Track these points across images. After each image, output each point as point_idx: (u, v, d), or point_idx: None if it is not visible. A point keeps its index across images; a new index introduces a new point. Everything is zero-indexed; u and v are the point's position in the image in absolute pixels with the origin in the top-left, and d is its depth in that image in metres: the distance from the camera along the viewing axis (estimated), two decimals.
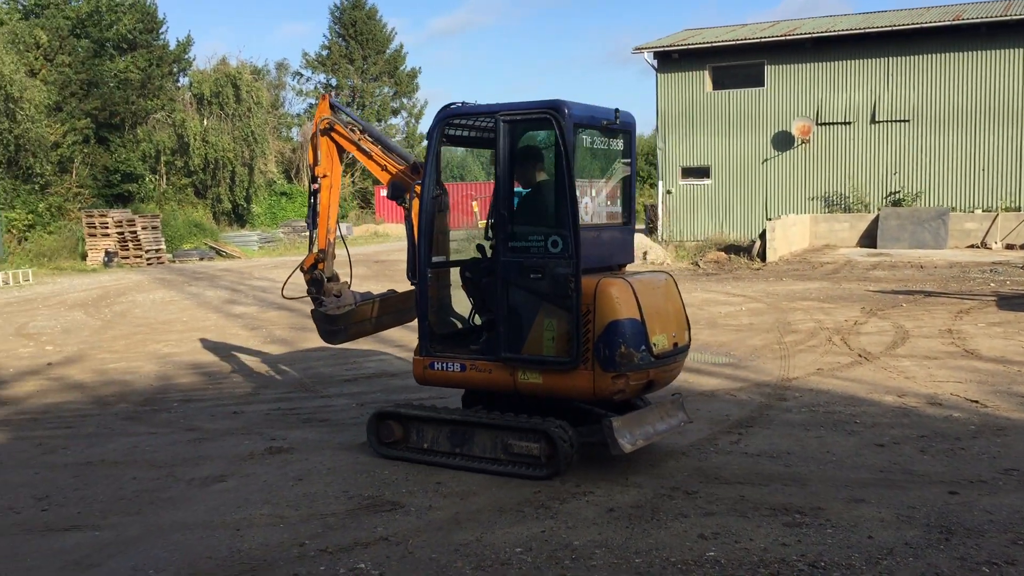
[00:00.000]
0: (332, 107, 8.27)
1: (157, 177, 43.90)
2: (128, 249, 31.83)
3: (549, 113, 6.16)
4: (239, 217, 45.37)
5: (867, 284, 18.80)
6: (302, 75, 63.63)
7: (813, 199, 28.76)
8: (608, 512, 5.75)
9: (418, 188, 6.99)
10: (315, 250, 8.28)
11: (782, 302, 16.35)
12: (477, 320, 7.29)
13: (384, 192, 7.72)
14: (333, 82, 62.59)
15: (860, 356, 10.95)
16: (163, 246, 33.21)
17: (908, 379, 9.60)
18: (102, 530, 5.77)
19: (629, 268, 7.23)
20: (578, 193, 6.25)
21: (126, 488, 6.66)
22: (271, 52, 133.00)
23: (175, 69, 48.92)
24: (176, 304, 19.34)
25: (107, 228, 31.98)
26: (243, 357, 12.34)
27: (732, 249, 26.22)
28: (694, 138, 30.06)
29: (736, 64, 29.72)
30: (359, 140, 8.00)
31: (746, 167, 29.51)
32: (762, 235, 24.84)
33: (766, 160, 29.23)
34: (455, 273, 7.35)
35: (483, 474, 6.58)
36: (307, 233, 8.22)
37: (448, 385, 7.09)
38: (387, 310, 8.46)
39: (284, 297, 9.48)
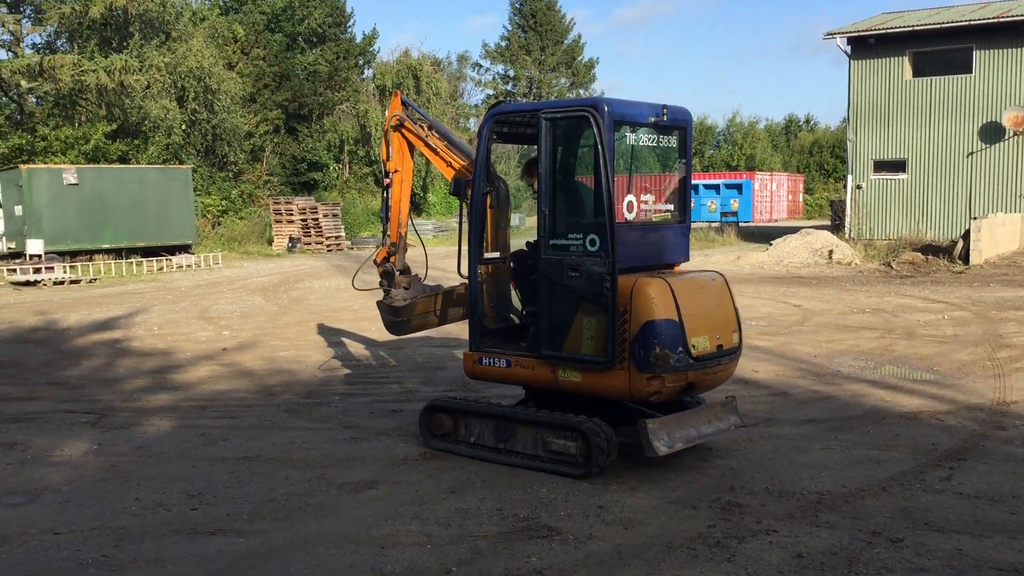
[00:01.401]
0: (403, 104, 8.26)
1: (340, 166, 45.35)
2: (310, 235, 32.88)
3: (587, 111, 6.20)
4: (415, 206, 46.16)
5: None
6: (481, 66, 64.30)
7: None
8: (796, 559, 4.98)
9: (469, 186, 7.08)
10: (387, 243, 8.30)
11: (991, 311, 14.74)
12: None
13: (451, 190, 7.81)
14: (511, 73, 62.88)
15: None
16: (343, 233, 34.14)
17: None
18: (247, 536, 5.51)
19: (685, 267, 7.14)
20: (621, 191, 6.39)
21: (277, 490, 6.42)
22: (455, 44, 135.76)
23: (360, 62, 50.40)
24: (349, 291, 19.56)
25: (292, 215, 33.16)
26: (407, 350, 12.15)
27: (929, 250, 24.19)
28: (889, 129, 27.99)
29: (940, 49, 27.42)
30: (427, 136, 7.97)
31: (948, 161, 27.20)
32: (965, 235, 22.76)
33: (971, 153, 26.84)
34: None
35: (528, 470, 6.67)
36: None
37: (495, 380, 7.15)
38: (452, 303, 8.41)
39: (355, 288, 9.43)
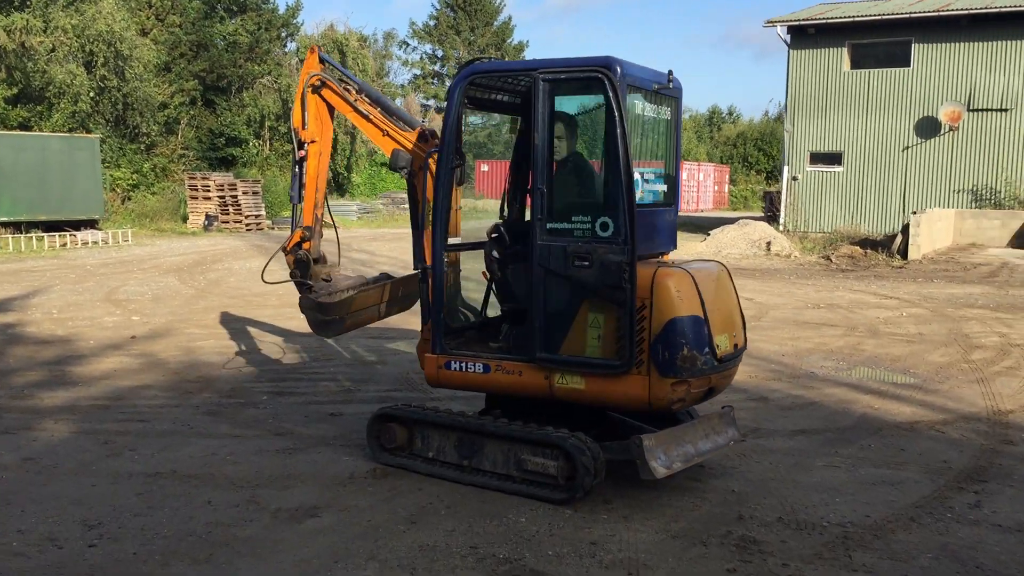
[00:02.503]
0: (322, 61, 7.04)
1: (260, 142, 43.45)
2: (228, 213, 31.21)
3: (600, 72, 5.22)
4: (339, 186, 44.63)
5: None
6: (408, 44, 62.67)
7: (959, 192, 26.15)
8: None
9: (432, 159, 6.06)
10: (300, 227, 7.10)
11: (946, 308, 14.27)
12: (492, 312, 6.47)
13: (391, 164, 6.54)
14: (439, 53, 61.45)
15: None
16: (263, 212, 32.52)
17: None
18: None
19: (673, 256, 6.39)
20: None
21: (197, 518, 5.29)
22: (381, 22, 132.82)
23: (283, 34, 48.33)
24: (272, 275, 18.20)
25: (209, 191, 31.43)
26: (340, 341, 11.00)
27: (867, 244, 23.92)
28: (826, 121, 27.71)
29: (879, 41, 27.19)
30: (355, 101, 6.78)
31: (884, 154, 27.04)
32: (904, 230, 22.51)
33: (907, 148, 26.72)
34: (468, 258, 6.47)
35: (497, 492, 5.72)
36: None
37: (467, 388, 6.09)
38: (392, 296, 7.39)
39: (265, 282, 8.07)
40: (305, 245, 7.04)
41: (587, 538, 5.01)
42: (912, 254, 21.78)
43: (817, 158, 28.11)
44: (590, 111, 5.83)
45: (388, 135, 6.62)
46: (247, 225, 31.17)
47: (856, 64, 27.57)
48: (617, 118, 5.15)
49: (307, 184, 6.98)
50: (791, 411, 7.93)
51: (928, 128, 26.39)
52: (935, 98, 26.17)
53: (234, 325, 12.21)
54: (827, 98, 27.72)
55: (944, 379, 9.27)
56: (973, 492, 5.84)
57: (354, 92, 6.86)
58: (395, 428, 6.24)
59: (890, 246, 22.78)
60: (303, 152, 6.96)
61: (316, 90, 6.91)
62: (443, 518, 5.32)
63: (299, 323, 11.97)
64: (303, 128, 6.93)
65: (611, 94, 5.17)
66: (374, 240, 27.22)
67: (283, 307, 13.54)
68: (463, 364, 5.91)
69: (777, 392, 8.63)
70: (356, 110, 6.76)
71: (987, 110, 25.64)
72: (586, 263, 5.32)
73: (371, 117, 6.71)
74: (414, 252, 6.43)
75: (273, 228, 32.04)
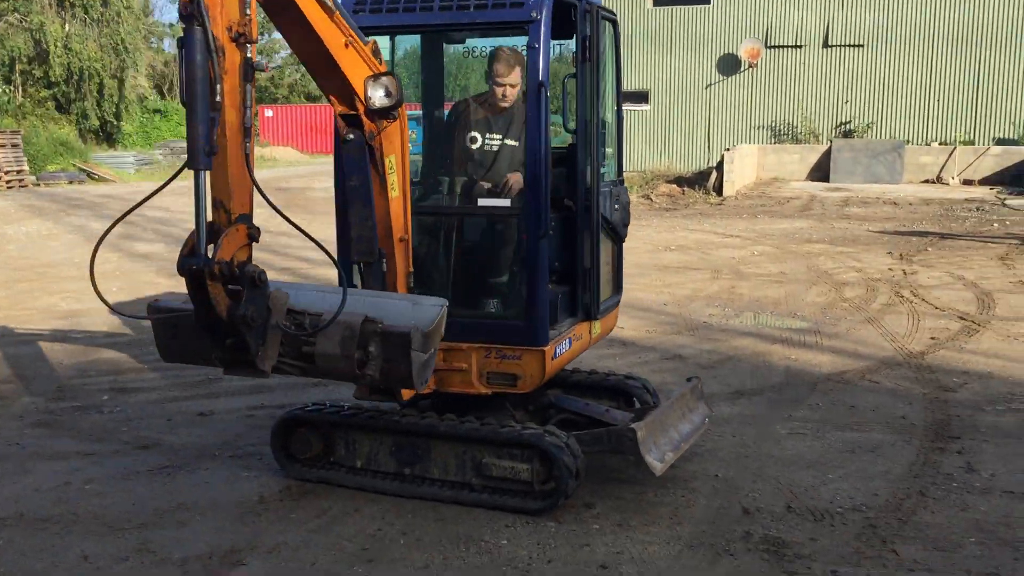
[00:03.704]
0: None
1: (12, 88, 38.71)
2: None
3: None
4: (108, 136, 40.58)
5: (854, 223, 17.04)
6: None
7: (759, 128, 26.94)
8: None
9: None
10: (228, 215, 3.65)
11: (789, 244, 14.37)
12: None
13: (368, 101, 4.27)
14: None
15: (963, 319, 8.98)
16: (26, 167, 28.84)
17: None
18: None
19: None
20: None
21: None
22: None
23: None
24: (60, 240, 15.90)
25: None
26: None
27: (683, 182, 24.19)
28: (632, 59, 27.67)
29: None
30: None
31: (689, 92, 27.39)
32: (719, 166, 22.88)
33: (710, 85, 27.18)
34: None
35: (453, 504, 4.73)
36: (185, 155, 3.51)
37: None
38: None
39: (115, 313, 5.18)
40: (241, 254, 3.53)
41: (592, 559, 4.13)
42: (727, 191, 22.18)
43: (624, 97, 28.03)
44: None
45: (352, 46, 4.19)
46: (8, 183, 27.53)
47: (659, 1, 27.60)
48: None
49: (230, 132, 3.48)
50: (713, 369, 7.37)
51: (729, 65, 26.91)
52: (735, 36, 26.67)
53: (33, 303, 10.29)
54: (632, 36, 27.64)
55: (835, 321, 9.06)
56: (956, 452, 5.44)
57: None
58: (309, 435, 5.07)
59: (705, 183, 23.11)
60: (220, 84, 3.36)
61: None
62: (405, 548, 4.27)
63: (117, 294, 10.22)
64: (242, 17, 3.46)
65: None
66: (161, 195, 24.68)
67: (86, 279, 11.61)
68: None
69: (687, 348, 8.06)
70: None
71: (782, 47, 26.42)
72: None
73: (336, 13, 4.03)
74: (355, 241, 4.58)
75: (39, 185, 28.52)
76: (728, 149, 23.48)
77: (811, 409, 6.32)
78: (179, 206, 19.97)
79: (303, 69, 4.89)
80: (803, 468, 5.23)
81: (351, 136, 4.42)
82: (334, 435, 5.06)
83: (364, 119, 4.36)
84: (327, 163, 17.27)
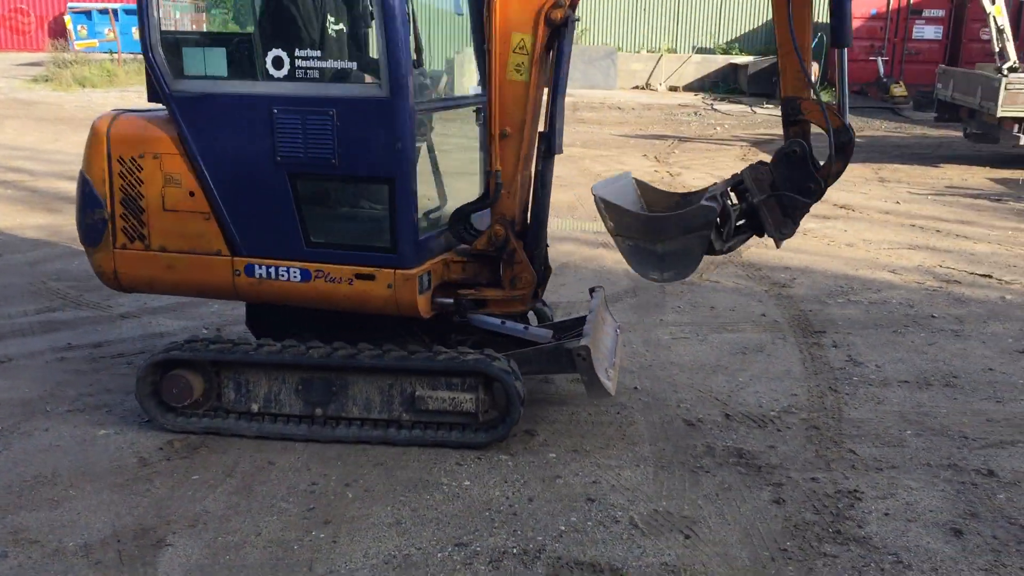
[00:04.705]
0: None
1: None
2: None
3: None
4: None
5: (593, 127, 17.49)
6: None
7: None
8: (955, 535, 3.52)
9: None
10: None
11: None
12: None
13: None
14: None
15: None
16: None
17: (851, 247, 8.25)
18: None
19: None
20: None
21: None
22: None
23: None
24: None
25: None
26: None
27: None
28: None
29: None
30: None
31: None
32: None
33: None
34: None
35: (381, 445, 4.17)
36: None
37: None
38: None
39: None
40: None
41: (574, 493, 3.78)
42: None
43: None
44: None
45: None
46: None
47: None
48: None
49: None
50: (561, 276, 7.14)
51: None
52: None
53: None
54: None
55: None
56: (833, 347, 5.63)
57: None
58: (189, 377, 4.21)
59: None
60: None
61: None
62: (358, 504, 3.66)
63: None
64: None
65: None
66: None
67: None
68: None
69: None
70: None
71: None
72: None
73: None
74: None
75: None
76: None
77: (677, 313, 6.30)
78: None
79: None
80: (710, 373, 5.17)
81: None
82: (220, 376, 4.24)
83: None
84: None
